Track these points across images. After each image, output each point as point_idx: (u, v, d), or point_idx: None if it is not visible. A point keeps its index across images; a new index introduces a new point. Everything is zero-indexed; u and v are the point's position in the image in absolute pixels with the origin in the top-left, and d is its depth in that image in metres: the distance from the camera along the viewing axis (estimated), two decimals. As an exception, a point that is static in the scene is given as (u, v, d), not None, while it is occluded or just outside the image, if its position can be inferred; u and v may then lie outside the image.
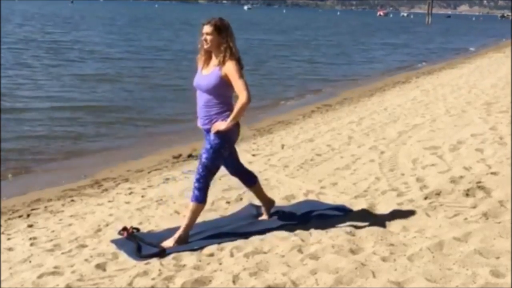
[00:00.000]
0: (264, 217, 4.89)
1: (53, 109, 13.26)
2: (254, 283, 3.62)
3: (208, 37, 4.27)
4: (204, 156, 4.36)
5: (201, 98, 4.38)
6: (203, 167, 4.35)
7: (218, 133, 4.31)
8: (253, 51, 29.72)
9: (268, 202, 4.93)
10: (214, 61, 4.32)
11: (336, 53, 31.75)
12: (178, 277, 3.82)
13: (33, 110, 13.02)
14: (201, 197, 4.40)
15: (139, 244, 4.36)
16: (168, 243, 4.42)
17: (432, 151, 6.87)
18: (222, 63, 4.25)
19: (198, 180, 4.38)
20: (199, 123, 4.47)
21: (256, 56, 27.04)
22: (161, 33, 43.82)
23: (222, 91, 4.28)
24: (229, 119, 4.26)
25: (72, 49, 26.74)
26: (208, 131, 4.39)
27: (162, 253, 4.26)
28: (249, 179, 4.78)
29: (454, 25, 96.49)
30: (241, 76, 4.23)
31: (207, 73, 4.34)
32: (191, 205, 4.44)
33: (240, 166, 4.76)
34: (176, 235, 4.45)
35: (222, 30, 4.26)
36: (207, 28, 4.27)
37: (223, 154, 4.41)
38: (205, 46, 4.31)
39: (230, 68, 4.22)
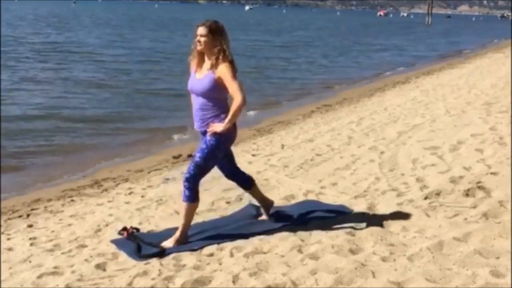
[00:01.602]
0: (264, 217, 4.88)
1: (53, 108, 13.27)
2: (254, 283, 3.62)
3: (202, 39, 4.25)
4: (198, 155, 4.34)
5: (196, 102, 4.38)
6: (195, 166, 4.33)
7: (215, 134, 4.30)
8: (254, 52, 29.72)
9: (267, 203, 4.91)
10: (207, 63, 4.31)
11: (336, 53, 31.73)
12: (178, 277, 3.82)
13: (33, 110, 13.03)
14: (192, 197, 4.38)
15: (139, 244, 4.36)
16: (168, 243, 4.42)
17: (432, 151, 6.87)
18: (215, 66, 4.23)
19: (187, 180, 4.34)
20: (196, 126, 4.46)
21: (257, 57, 27.06)
22: (158, 33, 43.77)
23: (217, 94, 4.26)
24: (225, 121, 4.25)
25: (67, 52, 26.22)
26: (204, 133, 4.38)
27: (162, 253, 4.26)
28: (245, 182, 4.75)
29: (454, 25, 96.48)
30: (235, 77, 4.21)
31: (200, 77, 4.32)
32: (184, 205, 4.44)
33: (236, 169, 4.73)
34: (176, 235, 4.45)
35: (216, 32, 4.24)
36: (201, 30, 4.26)
37: (217, 155, 4.39)
38: (199, 48, 4.29)
39: (223, 71, 4.20)
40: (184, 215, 4.44)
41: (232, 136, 4.42)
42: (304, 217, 4.82)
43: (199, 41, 4.27)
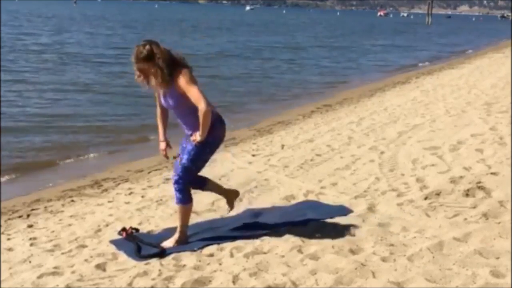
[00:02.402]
0: (229, 208, 4.80)
1: (52, 109, 13.28)
2: (254, 283, 3.62)
3: (136, 76, 4.20)
4: (185, 157, 4.31)
5: (177, 114, 4.37)
6: (184, 168, 4.31)
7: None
8: (254, 53, 29.72)
9: (230, 194, 4.80)
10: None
11: (336, 54, 31.73)
12: (178, 277, 3.82)
13: (33, 110, 13.03)
14: (185, 198, 4.38)
15: (139, 244, 4.36)
16: (168, 243, 4.43)
17: (432, 151, 6.87)
18: (169, 83, 4.16)
19: (177, 182, 4.34)
20: (185, 131, 4.44)
21: (257, 58, 27.07)
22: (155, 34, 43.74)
23: (190, 103, 4.18)
24: (200, 132, 4.18)
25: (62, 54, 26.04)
26: (191, 135, 4.35)
27: (161, 254, 4.26)
28: (200, 183, 4.60)
29: (454, 26, 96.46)
30: (192, 84, 4.13)
31: (166, 95, 4.28)
32: (178, 208, 4.45)
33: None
34: (175, 236, 4.46)
35: (145, 61, 4.14)
36: (136, 66, 4.18)
37: (205, 156, 4.38)
38: (143, 81, 4.23)
39: (179, 83, 4.14)
40: (180, 217, 4.45)
41: (219, 135, 4.38)
42: (303, 217, 4.80)
43: (139, 76, 4.22)
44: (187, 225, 4.51)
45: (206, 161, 4.42)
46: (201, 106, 4.08)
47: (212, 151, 4.41)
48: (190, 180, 4.39)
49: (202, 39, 38.37)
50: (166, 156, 4.59)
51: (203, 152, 4.33)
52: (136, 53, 4.15)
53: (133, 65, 4.20)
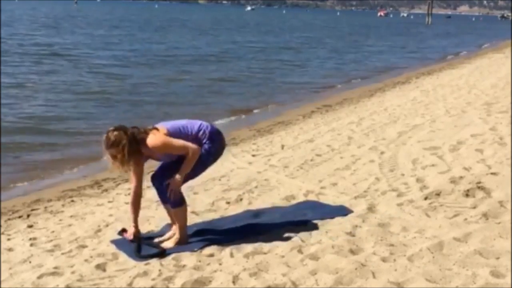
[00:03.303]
0: (162, 239, 4.59)
1: (53, 108, 13.28)
2: (254, 283, 3.62)
3: (117, 158, 4.18)
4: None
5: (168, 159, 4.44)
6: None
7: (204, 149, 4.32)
8: (254, 54, 29.71)
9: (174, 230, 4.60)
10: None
11: (336, 54, 31.72)
12: (178, 277, 3.82)
13: (33, 110, 13.03)
14: (179, 201, 4.40)
15: (139, 244, 4.36)
16: (168, 244, 4.43)
17: (432, 152, 6.87)
18: (138, 161, 4.23)
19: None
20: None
21: (257, 58, 27.06)
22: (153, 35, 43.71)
23: (174, 156, 4.30)
24: (181, 169, 4.25)
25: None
26: None
27: (161, 254, 4.27)
28: (164, 196, 4.49)
29: (454, 26, 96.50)
30: (167, 142, 4.20)
31: (159, 157, 4.37)
32: (174, 211, 4.46)
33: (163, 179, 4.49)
34: (175, 237, 4.46)
35: (112, 147, 4.16)
36: (109, 152, 4.19)
37: (206, 163, 4.44)
38: (119, 166, 4.22)
39: (154, 147, 4.20)
40: (179, 219, 4.47)
41: (220, 145, 4.46)
42: (303, 217, 4.80)
43: (113, 163, 4.23)
44: (186, 225, 4.52)
45: (206, 168, 4.51)
46: (190, 151, 4.21)
47: (214, 160, 4.50)
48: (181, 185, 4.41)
49: (202, 40, 38.39)
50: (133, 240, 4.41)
51: (206, 160, 4.41)
52: (106, 140, 4.18)
53: (104, 152, 4.22)
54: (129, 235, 4.42)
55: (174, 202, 4.39)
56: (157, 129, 4.28)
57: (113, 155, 4.18)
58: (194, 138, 4.33)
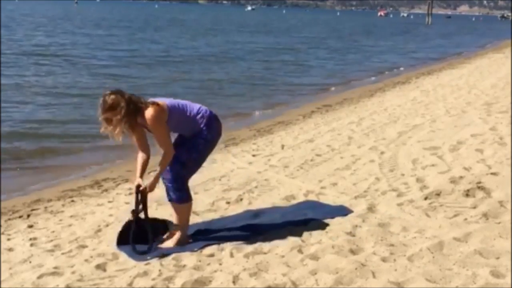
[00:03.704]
0: (163, 237, 4.55)
1: (52, 109, 13.27)
2: (254, 283, 3.62)
3: (110, 122, 4.10)
4: (184, 155, 4.31)
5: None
6: (183, 166, 4.31)
7: (200, 137, 4.30)
8: (254, 54, 29.70)
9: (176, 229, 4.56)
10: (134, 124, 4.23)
11: (336, 54, 31.73)
12: (178, 277, 3.82)
13: (32, 111, 13.02)
14: (185, 196, 4.39)
15: (134, 246, 4.32)
16: (169, 243, 4.43)
17: (432, 152, 6.87)
18: (139, 124, 4.18)
19: (175, 180, 4.33)
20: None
21: (257, 59, 27.05)
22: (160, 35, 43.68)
23: (173, 126, 4.26)
24: (154, 175, 4.25)
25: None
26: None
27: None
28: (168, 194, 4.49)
29: (454, 26, 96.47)
30: (157, 127, 4.14)
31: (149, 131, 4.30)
32: (177, 207, 4.43)
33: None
34: (176, 236, 4.46)
35: (113, 107, 4.07)
36: (103, 117, 4.10)
37: (205, 154, 4.41)
38: (111, 131, 4.13)
39: (148, 122, 4.14)
40: (181, 216, 4.45)
41: (217, 132, 4.42)
42: (303, 217, 4.80)
43: (105, 128, 4.15)
44: (188, 224, 4.51)
45: (205, 159, 4.46)
46: (164, 151, 4.18)
47: (212, 148, 4.45)
48: (188, 178, 4.39)
49: (202, 40, 38.38)
50: (139, 191, 4.33)
51: (204, 149, 4.36)
52: (103, 103, 4.09)
53: (100, 116, 4.12)
54: (132, 184, 4.38)
55: (180, 198, 4.36)
56: (158, 104, 4.20)
57: (109, 119, 4.08)
58: (192, 120, 4.30)
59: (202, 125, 4.31)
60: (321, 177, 6.33)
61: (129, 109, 4.06)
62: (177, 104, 4.31)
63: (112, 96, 4.08)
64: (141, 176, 4.32)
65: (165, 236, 4.55)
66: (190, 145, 4.32)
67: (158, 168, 4.24)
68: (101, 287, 3.86)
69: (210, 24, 65.83)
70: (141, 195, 4.31)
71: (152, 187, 4.28)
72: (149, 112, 4.11)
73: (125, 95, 4.12)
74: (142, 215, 4.39)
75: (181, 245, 4.41)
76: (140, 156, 4.36)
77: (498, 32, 66.63)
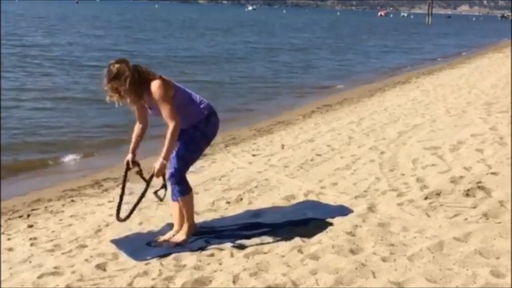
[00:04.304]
0: (164, 238, 4.55)
1: (52, 109, 13.27)
2: (254, 283, 3.62)
3: (116, 91, 4.08)
4: (182, 149, 4.31)
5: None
6: (180, 159, 4.31)
7: (195, 129, 4.30)
8: (254, 54, 29.72)
9: (182, 225, 4.54)
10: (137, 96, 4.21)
11: (336, 54, 31.74)
12: (178, 277, 3.82)
13: (31, 108, 13.02)
14: (185, 189, 4.39)
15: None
16: (180, 236, 4.44)
17: (432, 151, 6.87)
18: (145, 96, 4.15)
19: (173, 175, 4.34)
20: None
21: (257, 59, 27.07)
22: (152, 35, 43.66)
23: (175, 107, 4.19)
24: (162, 153, 4.15)
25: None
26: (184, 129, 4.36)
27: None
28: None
29: (455, 26, 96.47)
30: (163, 100, 4.10)
31: (149, 105, 4.27)
32: (180, 201, 4.45)
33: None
34: (184, 229, 4.48)
35: (117, 77, 4.05)
36: (109, 86, 4.08)
37: (202, 147, 4.42)
38: (118, 99, 4.13)
39: (154, 95, 4.11)
40: (185, 209, 4.45)
41: (215, 126, 4.43)
42: (303, 217, 4.80)
43: (111, 97, 4.13)
44: (193, 214, 4.52)
45: (201, 152, 4.48)
46: (171, 125, 4.11)
47: (208, 142, 4.47)
48: (185, 171, 4.41)
49: (202, 40, 38.38)
50: (128, 168, 4.38)
51: (201, 141, 4.38)
52: (108, 73, 4.08)
53: (105, 85, 4.10)
54: (126, 160, 4.36)
55: (183, 190, 4.38)
56: (164, 79, 4.19)
57: (114, 87, 4.07)
58: (194, 107, 4.32)
59: (201, 116, 4.34)
60: (321, 177, 6.33)
61: (133, 78, 4.07)
62: (182, 87, 4.36)
63: (117, 65, 4.09)
64: (134, 151, 4.38)
65: (173, 233, 4.56)
66: (187, 137, 4.33)
67: (165, 146, 4.14)
68: (101, 287, 3.86)
69: (210, 24, 65.81)
70: (149, 178, 4.33)
71: (162, 169, 4.18)
72: (156, 83, 4.12)
73: (130, 64, 4.14)
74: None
75: (191, 233, 4.44)
76: (138, 127, 4.43)
77: (498, 32, 66.62)
